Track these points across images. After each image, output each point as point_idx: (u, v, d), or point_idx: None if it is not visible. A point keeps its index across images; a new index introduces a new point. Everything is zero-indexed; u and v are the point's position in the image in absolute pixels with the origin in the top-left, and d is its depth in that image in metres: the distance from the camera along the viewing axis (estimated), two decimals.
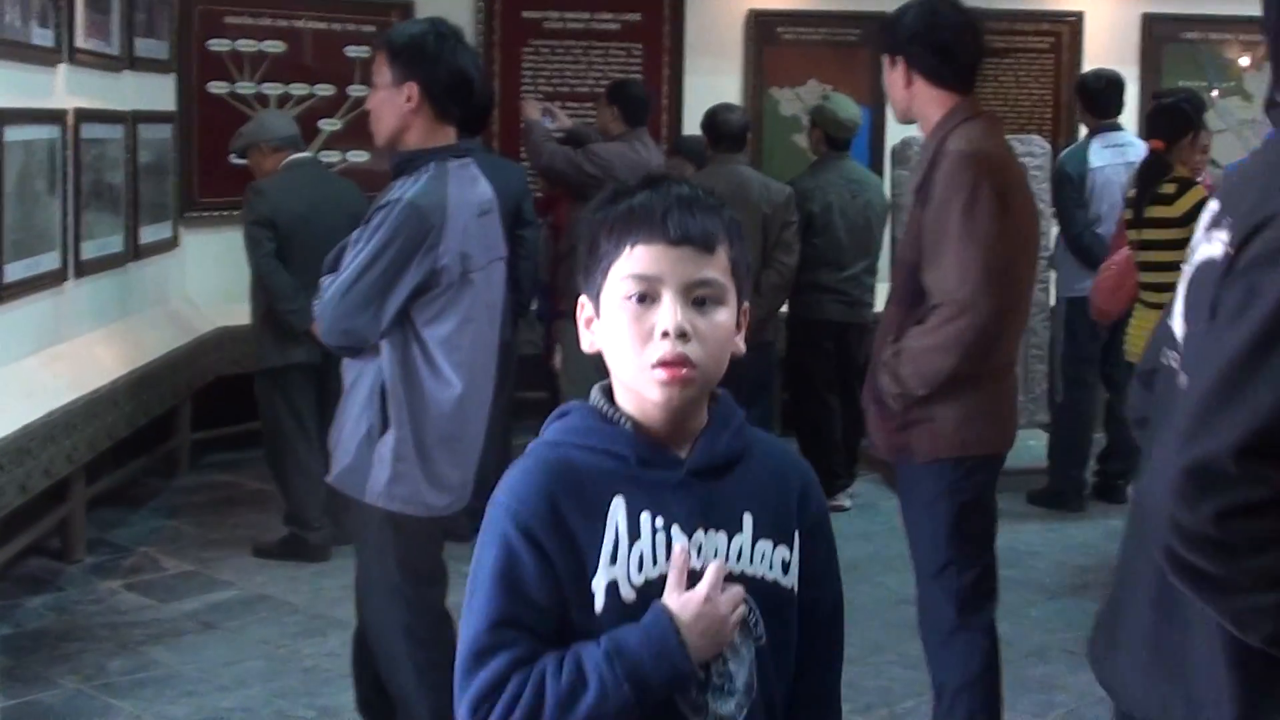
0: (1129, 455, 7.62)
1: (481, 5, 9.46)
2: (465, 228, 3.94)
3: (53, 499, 6.43)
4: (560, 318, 7.73)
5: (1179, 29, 9.92)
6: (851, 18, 9.59)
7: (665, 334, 2.00)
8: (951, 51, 4.04)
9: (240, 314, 7.02)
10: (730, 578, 2.06)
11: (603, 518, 2.03)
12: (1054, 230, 8.15)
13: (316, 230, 6.24)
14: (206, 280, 8.38)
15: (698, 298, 2.03)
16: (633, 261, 2.03)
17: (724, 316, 2.05)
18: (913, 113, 4.15)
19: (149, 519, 7.42)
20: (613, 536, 2.02)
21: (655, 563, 2.04)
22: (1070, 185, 7.75)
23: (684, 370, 2.01)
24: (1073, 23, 9.88)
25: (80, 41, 6.73)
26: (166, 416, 7.79)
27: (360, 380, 4.00)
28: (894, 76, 4.11)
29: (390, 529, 4.03)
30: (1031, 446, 8.12)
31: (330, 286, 3.91)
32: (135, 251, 7.55)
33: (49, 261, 6.40)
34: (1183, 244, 6.26)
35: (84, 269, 6.81)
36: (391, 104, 3.97)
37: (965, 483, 4.10)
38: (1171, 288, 6.54)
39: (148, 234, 7.74)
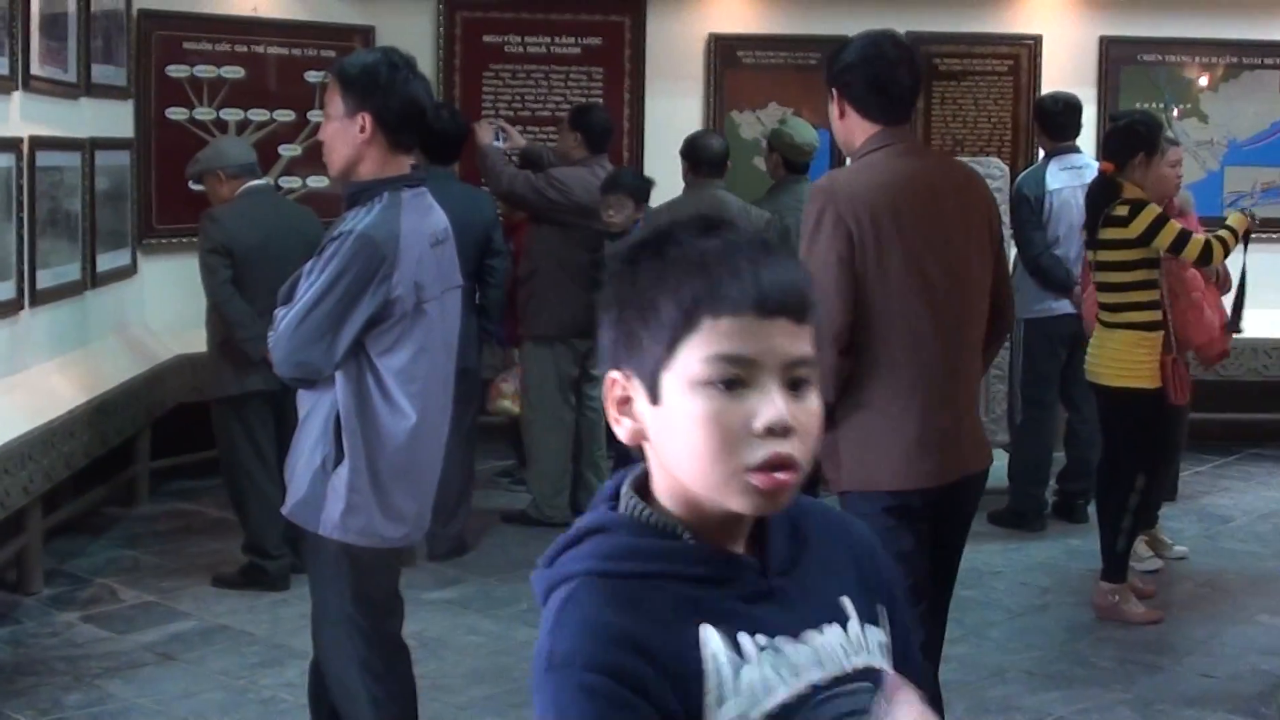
0: (1089, 474, 7.64)
1: (442, 30, 9.48)
2: (419, 258, 3.93)
3: (9, 530, 6.38)
4: (519, 342, 7.75)
5: (1136, 51, 9.96)
6: (812, 41, 9.61)
7: (769, 430, 1.60)
8: (882, 85, 4.06)
9: (200, 341, 6.96)
10: (859, 675, 1.71)
11: (688, 654, 1.62)
12: (1012, 252, 8.18)
13: (273, 258, 6.23)
14: (166, 307, 8.34)
15: (795, 379, 1.63)
16: (718, 337, 1.61)
17: (817, 401, 1.66)
18: (849, 144, 4.19)
19: (108, 549, 7.37)
20: (714, 672, 1.62)
21: (784, 683, 1.65)
22: (1027, 207, 7.79)
23: (788, 475, 1.62)
24: (1031, 45, 9.91)
25: (35, 69, 6.69)
26: (126, 445, 7.74)
27: (315, 411, 3.98)
28: (832, 107, 4.18)
29: (345, 561, 4.01)
30: (992, 467, 8.12)
31: (284, 318, 3.90)
32: (92, 279, 7.51)
33: (4, 291, 6.36)
34: (1139, 265, 6.33)
35: (40, 298, 6.77)
36: (345, 134, 3.95)
37: (867, 514, 3.87)
38: (1129, 308, 6.63)
39: (105, 261, 7.71)
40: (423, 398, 3.98)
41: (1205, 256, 6.26)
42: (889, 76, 4.06)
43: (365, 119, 3.93)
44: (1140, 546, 7.02)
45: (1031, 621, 6.49)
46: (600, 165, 7.54)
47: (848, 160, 4.32)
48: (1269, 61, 10.05)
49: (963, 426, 4.13)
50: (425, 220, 4.03)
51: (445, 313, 4.10)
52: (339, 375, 3.90)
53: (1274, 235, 9.89)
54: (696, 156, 7.43)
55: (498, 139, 7.90)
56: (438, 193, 4.22)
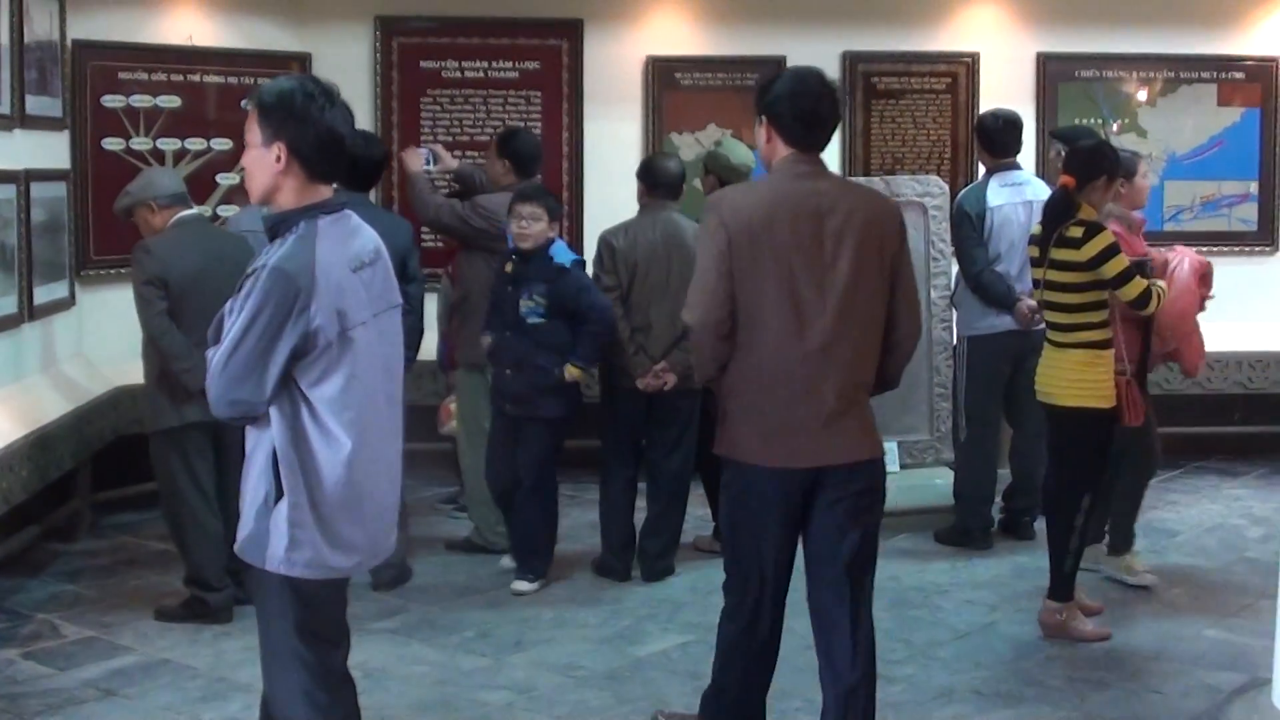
0: (1034, 491, 7.65)
1: (379, 56, 9.43)
2: (338, 285, 3.86)
3: None
4: (455, 368, 7.72)
5: (1074, 67, 10.02)
6: (748, 62, 9.62)
7: None
8: (806, 117, 4.64)
9: (140, 372, 6.87)
10: None
11: None
12: (953, 269, 8.20)
13: (208, 288, 6.18)
14: (105, 339, 8.26)
15: None
16: None
17: None
18: (770, 163, 4.76)
19: (49, 584, 7.27)
20: None
21: None
22: (969, 224, 7.80)
23: None
24: (968, 63, 9.95)
25: None
26: (65, 479, 7.65)
27: (257, 447, 3.92)
28: (760, 131, 4.75)
29: (289, 593, 3.96)
30: (938, 485, 8.14)
31: (213, 359, 3.85)
32: (29, 312, 7.43)
33: None
34: (1087, 287, 6.34)
35: None
36: (262, 163, 3.90)
37: (733, 481, 4.72)
38: (1081, 328, 6.65)
39: (42, 294, 7.63)
40: (359, 425, 3.92)
41: (1141, 301, 6.25)
42: (812, 110, 4.64)
43: (280, 148, 3.87)
44: (1134, 561, 7.16)
45: (979, 641, 6.48)
46: None
47: None
48: (1206, 75, 10.13)
49: (828, 421, 4.59)
50: (347, 245, 3.96)
51: (383, 334, 4.05)
52: (273, 410, 3.84)
53: (1213, 249, 9.99)
54: (654, 179, 7.38)
55: (428, 163, 7.86)
56: None
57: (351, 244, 3.98)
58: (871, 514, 4.69)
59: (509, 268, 7.01)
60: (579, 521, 8.01)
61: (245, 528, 3.94)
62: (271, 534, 3.88)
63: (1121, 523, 7.21)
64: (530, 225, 6.91)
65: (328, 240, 3.88)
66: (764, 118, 4.69)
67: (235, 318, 3.79)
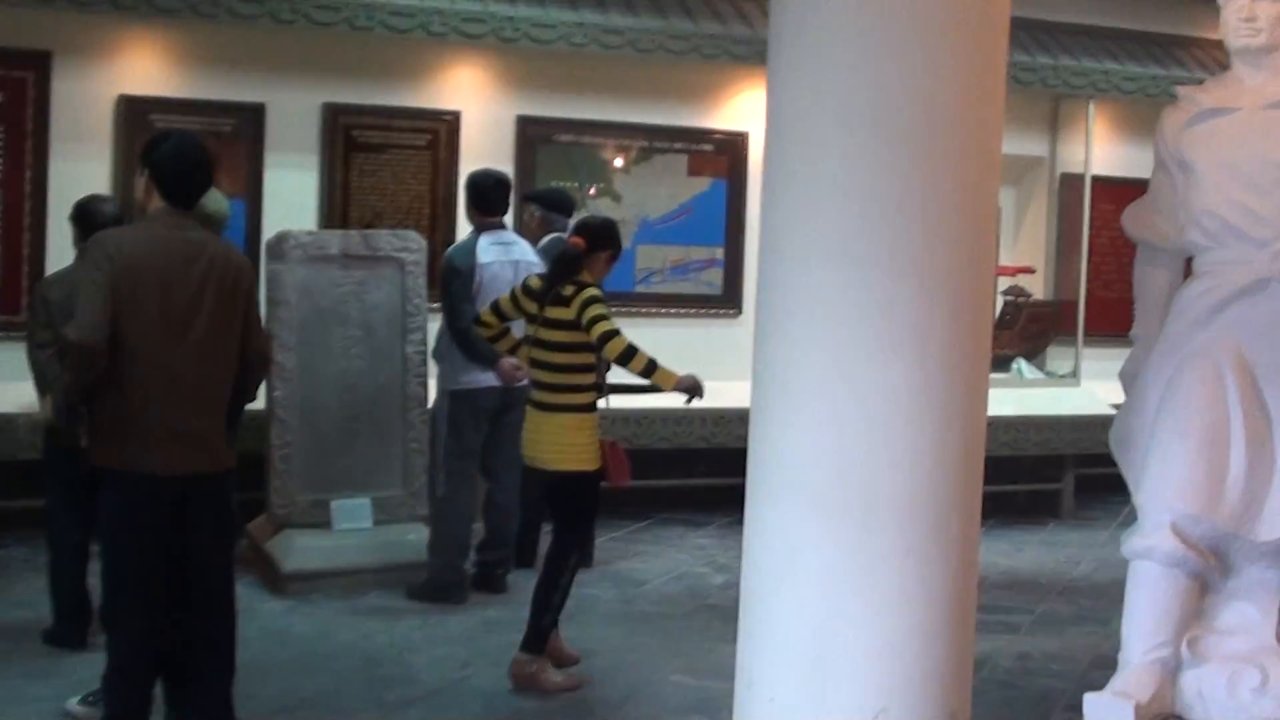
0: (508, 544, 7.74)
1: None
2: None
3: None
4: None
5: (552, 131, 10.22)
6: (227, 108, 9.40)
7: None
8: (185, 178, 5.30)
9: None
10: None
11: None
12: (430, 325, 8.22)
13: None
14: None
15: None
16: None
17: None
18: (145, 209, 5.38)
19: None
20: None
21: None
22: (459, 280, 7.82)
23: None
24: (450, 121, 10.01)
25: None
26: None
27: None
28: (141, 180, 5.34)
29: None
30: (410, 540, 8.09)
31: None
32: None
33: None
34: (580, 347, 6.45)
35: None
36: None
37: (115, 494, 5.17)
38: (567, 390, 6.76)
39: None
40: None
41: (625, 357, 6.36)
42: (190, 173, 5.32)
43: None
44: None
45: (450, 697, 6.42)
46: None
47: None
48: (678, 146, 10.55)
49: (196, 433, 5.23)
50: None
51: None
52: None
53: (682, 312, 10.38)
54: (87, 222, 7.03)
55: None
56: None
57: None
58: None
59: None
60: (33, 586, 7.54)
61: None
62: None
63: None
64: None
65: None
66: (147, 172, 5.29)
67: None
